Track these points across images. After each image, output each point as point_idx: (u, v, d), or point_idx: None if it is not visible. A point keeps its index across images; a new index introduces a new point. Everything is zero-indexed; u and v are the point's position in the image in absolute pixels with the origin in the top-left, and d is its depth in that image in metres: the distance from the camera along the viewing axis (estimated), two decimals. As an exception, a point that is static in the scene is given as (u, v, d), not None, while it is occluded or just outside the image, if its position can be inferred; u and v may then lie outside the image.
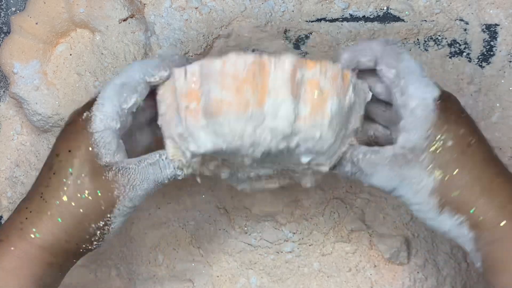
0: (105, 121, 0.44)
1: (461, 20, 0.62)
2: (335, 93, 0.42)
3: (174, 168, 0.46)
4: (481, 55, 0.62)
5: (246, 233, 0.61)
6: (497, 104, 0.61)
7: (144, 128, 0.50)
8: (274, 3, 0.62)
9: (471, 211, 0.43)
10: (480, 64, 0.62)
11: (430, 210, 0.44)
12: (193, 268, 0.62)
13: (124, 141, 0.46)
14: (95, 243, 0.46)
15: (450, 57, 0.62)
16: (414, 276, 0.60)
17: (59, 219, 0.44)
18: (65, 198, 0.44)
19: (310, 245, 0.61)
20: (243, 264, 0.61)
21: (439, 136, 0.43)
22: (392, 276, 0.60)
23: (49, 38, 0.60)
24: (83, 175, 0.44)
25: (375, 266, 0.60)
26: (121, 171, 0.44)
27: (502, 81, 0.61)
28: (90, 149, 0.44)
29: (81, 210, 0.44)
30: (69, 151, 0.45)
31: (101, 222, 0.45)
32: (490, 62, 0.62)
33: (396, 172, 0.43)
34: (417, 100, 0.43)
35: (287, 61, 0.41)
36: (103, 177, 0.44)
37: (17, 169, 0.62)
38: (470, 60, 0.62)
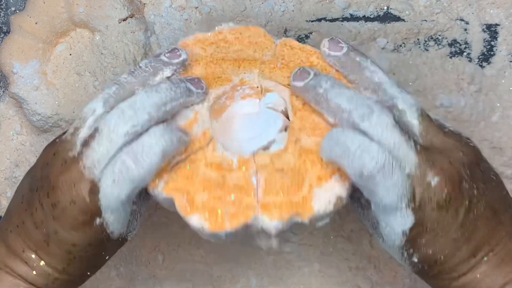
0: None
1: (462, 20, 0.62)
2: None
3: None
4: (481, 55, 0.62)
5: (246, 233, 0.61)
6: (498, 104, 0.61)
7: None
8: (274, 3, 0.62)
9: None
10: (481, 64, 0.62)
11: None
12: (193, 268, 0.62)
13: None
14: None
15: (450, 57, 0.62)
16: (414, 276, 0.60)
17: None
18: None
19: (310, 246, 0.61)
20: (244, 264, 0.61)
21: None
22: (393, 276, 0.60)
23: (49, 38, 0.60)
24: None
25: (375, 266, 0.60)
26: None
27: (503, 81, 0.61)
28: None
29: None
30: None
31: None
32: (490, 62, 0.62)
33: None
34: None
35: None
36: None
37: (17, 169, 0.62)
38: (470, 60, 0.62)
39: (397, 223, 0.41)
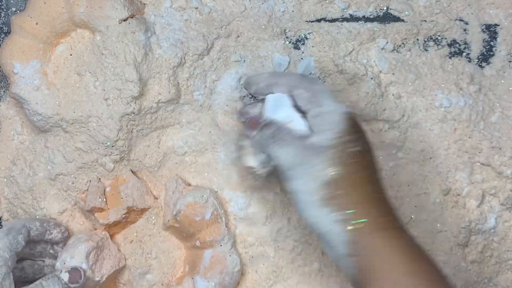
0: None
1: (461, 20, 0.62)
2: None
3: None
4: (481, 55, 0.62)
5: (246, 233, 0.62)
6: (497, 104, 0.61)
7: None
8: (274, 3, 0.62)
9: (349, 211, 0.46)
10: (480, 64, 0.62)
11: (314, 202, 0.47)
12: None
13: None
14: None
15: (450, 57, 0.62)
16: (414, 276, 0.60)
17: None
18: None
19: (310, 245, 0.61)
20: (244, 265, 0.61)
21: (347, 138, 0.48)
22: (392, 276, 0.60)
23: (49, 38, 0.60)
24: None
25: (375, 266, 0.60)
26: None
27: (502, 81, 0.61)
28: None
29: None
30: None
31: None
32: (490, 62, 0.62)
33: (301, 152, 0.48)
34: (332, 109, 0.50)
35: None
36: None
37: (15, 168, 0.62)
38: (470, 60, 0.62)
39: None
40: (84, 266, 0.54)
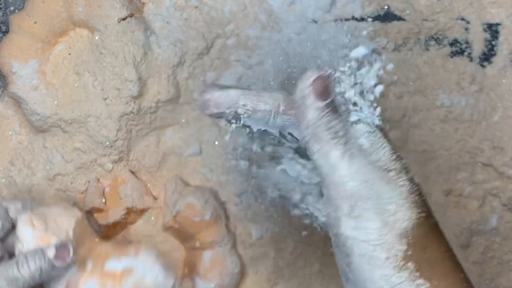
0: None
1: (462, 19, 0.62)
2: None
3: None
4: (482, 55, 0.62)
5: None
6: (499, 104, 0.61)
7: None
8: (274, 2, 0.62)
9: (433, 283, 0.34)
10: (482, 63, 0.62)
11: (390, 262, 0.34)
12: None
13: None
14: None
15: (451, 57, 0.62)
16: (415, 276, 0.60)
17: None
18: None
19: (310, 245, 0.61)
20: (244, 266, 0.61)
21: (404, 164, 0.37)
22: (393, 277, 0.60)
23: (48, 38, 0.60)
24: None
25: (376, 266, 0.60)
26: None
27: (504, 80, 0.61)
28: None
29: None
30: None
31: None
32: (491, 62, 0.62)
33: (375, 184, 0.35)
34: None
35: None
36: None
37: (13, 168, 0.62)
38: (471, 60, 0.62)
39: None
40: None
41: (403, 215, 0.34)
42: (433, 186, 0.60)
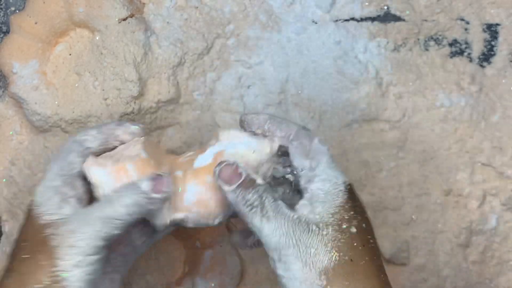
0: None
1: (462, 19, 0.62)
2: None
3: None
4: (482, 55, 0.62)
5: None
6: (498, 104, 0.61)
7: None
8: (273, 2, 0.62)
9: None
10: (481, 64, 0.62)
11: None
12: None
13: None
14: None
15: (451, 57, 0.62)
16: (414, 276, 0.60)
17: None
18: None
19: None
20: (244, 265, 0.61)
21: (347, 215, 0.43)
22: (393, 277, 0.60)
23: (48, 38, 0.60)
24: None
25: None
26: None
27: (503, 81, 0.61)
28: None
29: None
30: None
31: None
32: (491, 62, 0.62)
33: (294, 235, 0.42)
34: (327, 177, 0.44)
35: None
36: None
37: (14, 168, 0.62)
38: (471, 60, 0.62)
39: None
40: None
41: (323, 256, 0.41)
42: (433, 186, 0.60)
